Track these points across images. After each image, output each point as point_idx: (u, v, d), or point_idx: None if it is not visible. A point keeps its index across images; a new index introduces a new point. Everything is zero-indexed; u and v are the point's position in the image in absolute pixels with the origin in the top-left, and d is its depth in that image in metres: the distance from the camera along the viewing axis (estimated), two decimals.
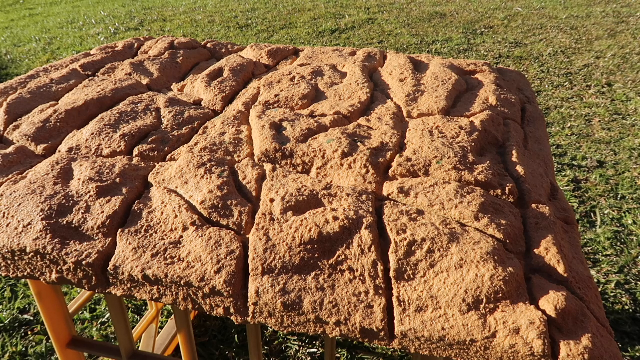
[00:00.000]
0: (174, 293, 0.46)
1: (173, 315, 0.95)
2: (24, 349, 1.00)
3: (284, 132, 0.60)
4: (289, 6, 4.07)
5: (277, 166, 0.55)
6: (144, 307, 1.11)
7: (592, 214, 1.37)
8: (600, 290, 1.11)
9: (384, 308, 0.41)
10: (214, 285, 0.43)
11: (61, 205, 0.51)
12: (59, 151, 0.61)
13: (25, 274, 0.50)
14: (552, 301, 0.40)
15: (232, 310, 0.45)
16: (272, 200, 0.49)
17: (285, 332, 1.02)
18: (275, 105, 0.69)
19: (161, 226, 0.49)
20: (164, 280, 0.45)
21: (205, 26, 3.57)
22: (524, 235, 0.47)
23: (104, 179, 0.54)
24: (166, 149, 0.60)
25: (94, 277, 0.47)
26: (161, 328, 1.01)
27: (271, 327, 0.46)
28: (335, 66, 0.83)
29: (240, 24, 3.57)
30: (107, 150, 0.60)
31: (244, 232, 0.48)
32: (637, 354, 0.96)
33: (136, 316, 1.08)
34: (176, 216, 0.49)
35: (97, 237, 0.48)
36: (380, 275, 0.43)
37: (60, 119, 0.65)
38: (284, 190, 0.50)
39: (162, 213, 0.50)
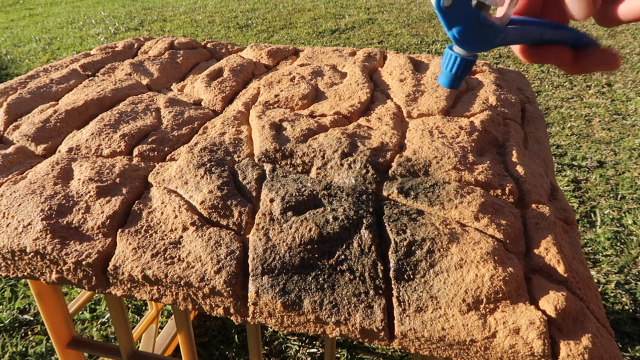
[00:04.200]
0: (174, 293, 0.46)
1: (173, 315, 0.95)
2: (24, 349, 1.00)
3: (283, 132, 0.60)
4: (289, 6, 4.07)
5: (277, 166, 0.55)
6: (144, 307, 1.11)
7: (592, 214, 1.37)
8: (600, 290, 1.11)
9: (383, 308, 0.41)
10: (214, 285, 0.43)
11: (61, 205, 0.51)
12: (59, 151, 0.61)
13: (25, 274, 0.50)
14: (552, 301, 0.40)
15: (232, 311, 0.45)
16: (272, 200, 0.49)
17: (285, 332, 1.02)
18: (275, 105, 0.69)
19: (161, 226, 0.49)
20: (163, 280, 0.45)
21: (205, 26, 3.57)
22: (524, 235, 0.47)
23: (104, 179, 0.54)
24: (166, 149, 0.60)
25: (94, 277, 0.47)
26: (161, 328, 1.01)
27: (271, 327, 0.46)
28: (335, 66, 0.83)
29: (240, 24, 3.57)
30: (107, 150, 0.60)
31: (243, 232, 0.48)
32: (637, 354, 0.96)
33: (136, 316, 1.08)
34: (176, 216, 0.49)
35: (97, 237, 0.48)
36: (380, 275, 0.43)
37: (60, 119, 0.65)
38: (283, 190, 0.50)
39: (162, 213, 0.50)
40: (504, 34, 0.29)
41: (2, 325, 1.06)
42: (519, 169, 0.55)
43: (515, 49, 0.31)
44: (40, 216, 0.49)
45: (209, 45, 0.96)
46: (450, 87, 0.32)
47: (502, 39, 0.29)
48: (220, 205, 0.49)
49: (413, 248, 0.44)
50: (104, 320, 1.08)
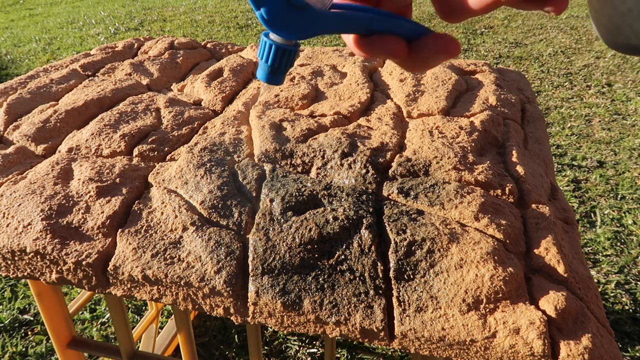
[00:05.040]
0: (174, 293, 0.46)
1: (173, 315, 0.95)
2: (24, 349, 1.00)
3: (283, 132, 0.60)
4: None
5: (277, 166, 0.55)
6: (144, 307, 1.11)
7: (592, 214, 1.37)
8: (600, 290, 1.11)
9: (383, 308, 0.41)
10: (214, 285, 0.43)
11: (61, 205, 0.51)
12: (59, 151, 0.61)
13: (25, 274, 0.50)
14: (552, 301, 0.40)
15: (232, 311, 0.45)
16: (271, 200, 0.49)
17: (285, 332, 1.02)
18: (275, 105, 0.69)
19: (161, 226, 0.49)
20: (164, 280, 0.45)
21: (205, 26, 3.57)
22: (524, 235, 0.47)
23: (104, 179, 0.54)
24: (166, 149, 0.60)
25: (94, 277, 0.47)
26: (161, 328, 1.01)
27: (271, 327, 0.46)
28: (335, 66, 0.83)
29: (240, 24, 3.57)
30: (107, 151, 0.60)
31: (244, 232, 0.48)
32: (637, 354, 0.96)
33: (136, 316, 1.08)
34: (176, 216, 0.49)
35: (97, 237, 0.48)
36: (380, 275, 0.43)
37: (60, 119, 0.65)
38: (283, 190, 0.50)
39: (162, 213, 0.50)
40: (324, 19, 0.25)
41: (2, 325, 1.06)
42: (519, 169, 0.55)
43: (348, 40, 0.28)
44: (40, 216, 0.49)
45: (209, 45, 0.96)
46: (269, 82, 0.27)
47: (322, 25, 0.25)
48: (220, 205, 0.49)
49: (413, 248, 0.44)
50: (104, 320, 1.08)
